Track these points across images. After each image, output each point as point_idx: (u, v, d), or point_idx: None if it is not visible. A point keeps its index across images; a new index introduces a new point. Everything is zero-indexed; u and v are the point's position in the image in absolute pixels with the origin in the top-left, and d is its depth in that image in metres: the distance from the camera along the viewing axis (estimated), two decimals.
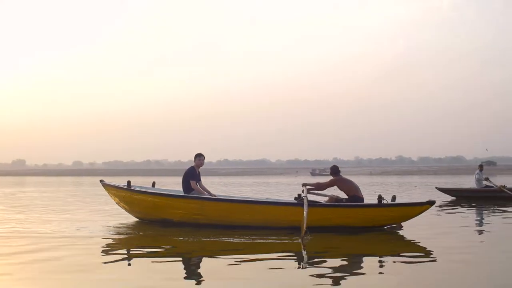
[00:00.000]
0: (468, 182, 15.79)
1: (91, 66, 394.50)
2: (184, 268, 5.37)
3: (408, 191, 20.16)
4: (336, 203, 8.09)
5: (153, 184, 9.68)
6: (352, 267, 5.32)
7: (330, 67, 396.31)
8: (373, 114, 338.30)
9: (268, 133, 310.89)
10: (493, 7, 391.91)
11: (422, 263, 5.41)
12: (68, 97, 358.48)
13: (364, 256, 5.91)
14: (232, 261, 5.49)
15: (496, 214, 10.53)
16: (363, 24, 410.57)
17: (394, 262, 5.46)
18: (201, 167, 8.83)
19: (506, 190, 14.26)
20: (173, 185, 26.43)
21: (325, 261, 5.59)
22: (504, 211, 10.94)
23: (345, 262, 5.57)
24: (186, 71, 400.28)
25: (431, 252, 6.04)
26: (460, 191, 15.89)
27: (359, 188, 8.35)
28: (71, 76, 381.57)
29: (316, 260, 5.68)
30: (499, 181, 26.85)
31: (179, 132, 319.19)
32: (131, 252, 6.29)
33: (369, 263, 5.53)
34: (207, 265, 5.48)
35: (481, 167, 15.66)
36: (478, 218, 9.97)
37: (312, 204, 7.62)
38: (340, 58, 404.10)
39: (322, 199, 8.54)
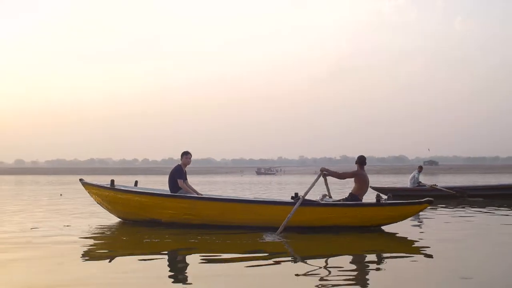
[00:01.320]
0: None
1: (30, 61, 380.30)
2: (172, 269, 5.21)
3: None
4: (335, 202, 8.00)
5: (136, 183, 9.40)
6: (351, 267, 5.28)
7: (275, 67, 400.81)
8: (317, 115, 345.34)
9: (213, 132, 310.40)
10: (434, 10, 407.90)
11: (421, 263, 5.40)
12: (7, 92, 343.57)
13: (363, 256, 5.82)
14: (226, 262, 5.43)
15: (428, 211, 11.25)
16: (308, 25, 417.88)
17: (392, 261, 5.51)
18: (181, 166, 8.61)
19: (439, 188, 15.17)
20: (155, 184, 25.94)
21: (323, 261, 5.53)
22: (434, 208, 11.80)
23: (343, 262, 5.49)
24: (129, 68, 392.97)
25: (431, 254, 5.93)
26: (394, 190, 16.30)
27: (366, 191, 8.44)
28: (10, 72, 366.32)
29: (313, 260, 5.61)
30: (440, 180, 28.21)
31: (123, 130, 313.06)
32: (113, 253, 6.15)
33: (368, 263, 5.48)
34: (199, 266, 5.25)
35: (420, 168, 16.43)
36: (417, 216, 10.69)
37: (310, 203, 7.60)
38: (285, 58, 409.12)
39: (322, 193, 8.54)
